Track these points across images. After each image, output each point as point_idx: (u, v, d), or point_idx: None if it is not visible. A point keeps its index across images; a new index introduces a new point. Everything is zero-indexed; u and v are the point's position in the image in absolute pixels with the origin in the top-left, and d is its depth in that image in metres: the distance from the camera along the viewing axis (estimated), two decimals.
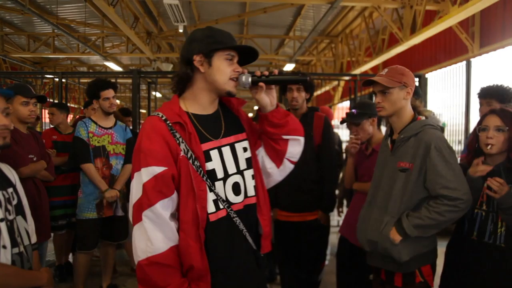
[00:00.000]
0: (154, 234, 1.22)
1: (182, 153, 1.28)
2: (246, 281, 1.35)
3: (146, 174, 1.24)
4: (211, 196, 1.30)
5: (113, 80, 6.92)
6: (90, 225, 2.97)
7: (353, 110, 2.45)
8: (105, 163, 3.02)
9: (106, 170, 3.02)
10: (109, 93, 3.02)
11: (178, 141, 1.28)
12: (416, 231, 1.68)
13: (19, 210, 1.49)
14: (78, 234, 3.05)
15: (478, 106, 2.73)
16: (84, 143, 2.95)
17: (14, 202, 1.47)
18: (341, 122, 2.65)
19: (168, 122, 1.29)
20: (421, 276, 1.74)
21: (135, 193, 1.26)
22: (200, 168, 1.28)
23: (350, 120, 2.45)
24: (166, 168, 1.25)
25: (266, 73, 1.36)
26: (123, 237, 3.24)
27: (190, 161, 1.28)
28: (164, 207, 1.24)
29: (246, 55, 1.41)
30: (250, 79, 1.36)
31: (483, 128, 1.78)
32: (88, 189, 2.97)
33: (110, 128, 3.10)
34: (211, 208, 1.29)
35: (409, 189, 1.71)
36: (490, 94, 2.59)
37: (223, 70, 1.33)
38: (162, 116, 1.31)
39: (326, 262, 4.00)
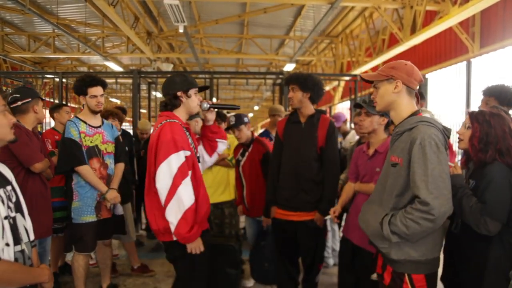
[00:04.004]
0: (191, 193, 2.06)
1: (191, 145, 2.16)
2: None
3: (183, 154, 2.04)
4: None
5: (113, 80, 6.98)
6: (89, 227, 2.85)
7: (374, 101, 2.44)
8: (101, 163, 2.91)
9: (103, 170, 2.92)
10: (97, 90, 2.85)
11: (188, 137, 2.16)
12: (393, 237, 1.61)
13: (18, 207, 1.50)
14: (76, 237, 2.87)
15: (478, 106, 2.74)
16: (77, 144, 2.78)
17: (14, 199, 1.48)
18: (355, 106, 2.64)
19: (182, 126, 2.15)
20: (410, 283, 1.66)
21: (176, 165, 2.01)
22: (197, 154, 2.23)
23: (366, 107, 2.43)
24: (190, 152, 2.10)
25: (210, 102, 2.33)
26: (121, 233, 3.17)
27: (194, 149, 2.20)
28: (190, 177, 2.07)
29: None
30: (208, 106, 2.30)
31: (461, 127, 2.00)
32: (84, 191, 2.83)
33: (99, 127, 2.97)
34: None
35: (400, 184, 1.65)
36: (489, 93, 2.61)
37: (194, 99, 2.22)
38: (179, 122, 2.15)
39: (332, 263, 4.02)
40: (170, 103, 2.19)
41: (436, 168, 1.54)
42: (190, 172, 2.07)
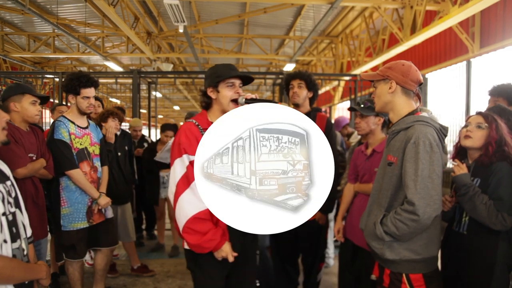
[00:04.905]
0: (196, 200, 1.73)
1: None
2: (243, 237, 1.85)
3: (186, 159, 1.80)
4: None
5: (113, 80, 6.96)
6: (80, 234, 2.72)
7: (366, 102, 2.46)
8: (92, 166, 2.79)
9: (94, 173, 2.80)
10: (91, 91, 2.72)
11: None
12: (386, 236, 1.63)
13: (17, 203, 1.50)
14: (67, 245, 2.72)
15: (478, 106, 2.73)
16: (68, 146, 2.64)
17: (13, 195, 1.48)
18: (350, 109, 2.67)
19: (199, 126, 1.87)
20: (408, 283, 1.66)
21: (180, 171, 1.80)
22: None
23: (359, 110, 2.45)
24: None
25: (250, 96, 1.87)
26: (115, 242, 3.03)
27: None
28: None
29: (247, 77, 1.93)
30: (243, 101, 1.86)
31: (466, 125, 1.98)
32: (74, 197, 2.70)
33: (87, 127, 2.84)
34: None
35: (394, 183, 1.66)
36: (498, 92, 2.60)
37: (225, 95, 1.87)
38: (195, 122, 1.89)
39: (332, 263, 4.02)
40: (203, 101, 1.96)
41: (427, 168, 1.55)
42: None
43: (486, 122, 1.92)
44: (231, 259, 1.79)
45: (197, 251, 1.81)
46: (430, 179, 1.55)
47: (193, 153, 1.73)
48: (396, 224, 1.58)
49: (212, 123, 1.78)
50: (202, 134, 1.77)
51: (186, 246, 1.89)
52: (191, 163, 1.77)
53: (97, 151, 2.89)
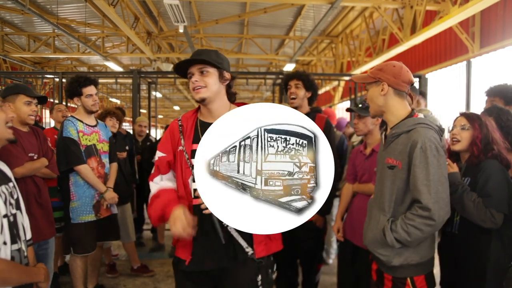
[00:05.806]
0: (156, 187, 1.71)
1: (180, 147, 1.70)
2: (216, 254, 1.66)
3: (157, 155, 1.75)
4: (193, 185, 1.63)
5: (113, 80, 6.98)
6: (87, 227, 2.84)
7: (364, 103, 2.46)
8: (99, 162, 2.93)
9: (101, 169, 2.94)
10: (91, 89, 2.88)
11: (182, 138, 1.71)
12: (398, 244, 1.61)
13: (18, 205, 1.51)
14: (74, 238, 2.85)
15: (478, 106, 2.74)
16: (76, 143, 2.80)
17: (15, 196, 1.49)
18: (347, 110, 2.68)
19: (180, 123, 1.75)
20: (412, 285, 1.66)
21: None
22: (188, 161, 1.67)
23: (356, 111, 2.46)
24: (164, 154, 1.73)
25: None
26: (114, 237, 3.16)
27: (185, 154, 1.68)
28: (160, 179, 1.73)
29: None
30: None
31: (452, 128, 2.02)
32: (82, 191, 2.84)
33: (95, 126, 3.00)
34: (193, 193, 1.65)
35: (398, 187, 1.64)
36: (494, 93, 2.62)
37: (190, 86, 1.68)
38: (178, 118, 1.79)
39: (332, 262, 4.03)
40: None
41: (436, 172, 1.55)
42: (163, 176, 1.75)
43: (469, 123, 1.96)
44: (186, 231, 1.51)
45: (155, 224, 1.73)
46: (440, 182, 1.55)
47: (163, 150, 1.75)
48: (408, 230, 1.55)
49: (196, 118, 1.75)
50: (180, 131, 1.73)
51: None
52: (159, 158, 1.74)
53: (105, 148, 3.02)
